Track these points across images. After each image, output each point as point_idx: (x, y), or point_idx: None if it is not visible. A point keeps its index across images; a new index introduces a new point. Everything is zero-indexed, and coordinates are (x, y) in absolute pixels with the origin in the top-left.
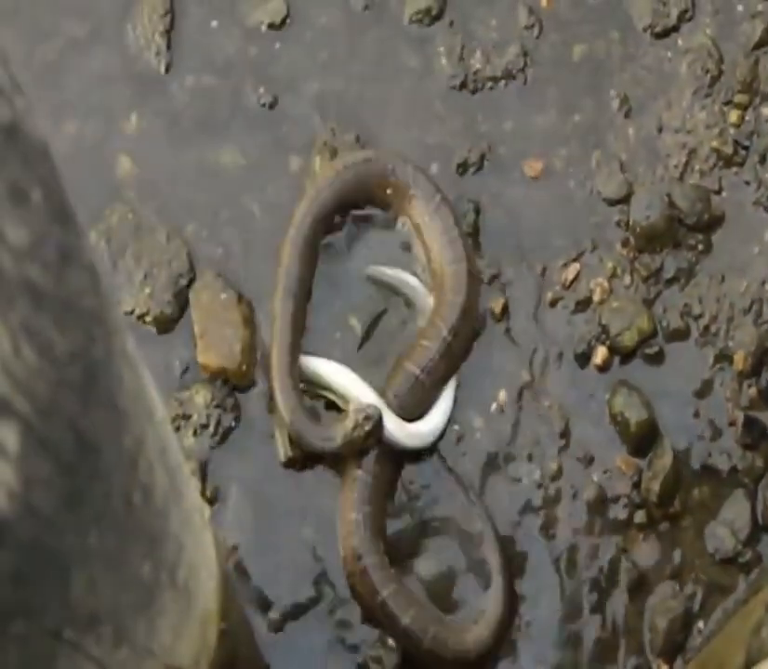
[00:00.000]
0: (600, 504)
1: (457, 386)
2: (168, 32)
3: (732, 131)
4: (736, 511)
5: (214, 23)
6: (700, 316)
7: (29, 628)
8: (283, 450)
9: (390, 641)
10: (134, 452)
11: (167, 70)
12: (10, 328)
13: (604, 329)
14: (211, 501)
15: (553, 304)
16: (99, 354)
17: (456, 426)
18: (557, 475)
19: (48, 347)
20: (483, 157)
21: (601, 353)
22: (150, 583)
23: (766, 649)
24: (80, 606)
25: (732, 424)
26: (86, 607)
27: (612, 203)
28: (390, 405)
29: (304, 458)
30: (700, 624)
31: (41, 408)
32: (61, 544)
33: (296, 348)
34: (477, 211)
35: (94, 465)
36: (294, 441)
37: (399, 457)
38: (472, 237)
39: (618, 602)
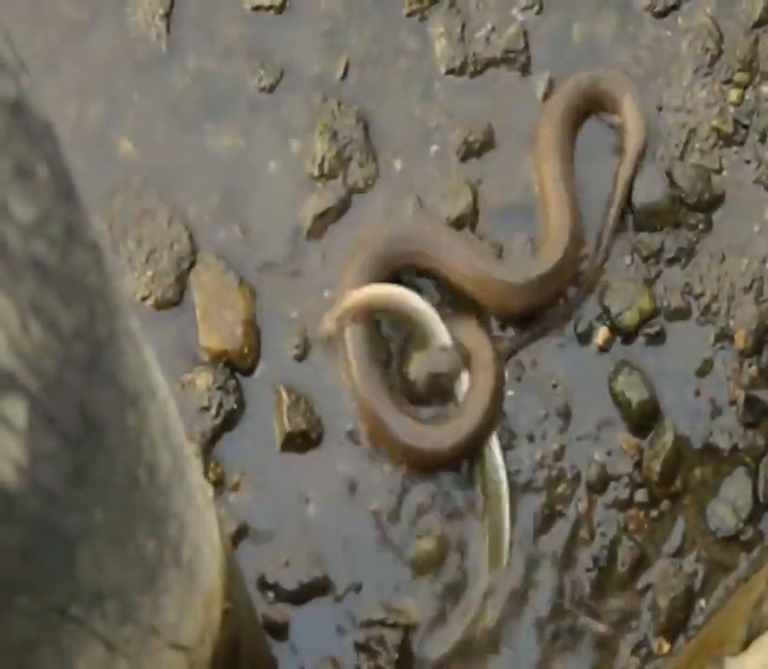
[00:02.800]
0: (601, 483)
1: None
2: (168, 16)
3: (732, 110)
4: (738, 489)
5: (214, 6)
6: (701, 295)
7: (34, 604)
8: None
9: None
10: (138, 429)
11: (168, 53)
12: (18, 304)
13: (605, 309)
14: (213, 483)
15: None
16: (103, 331)
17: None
18: (558, 455)
19: (54, 323)
20: (483, 139)
21: (602, 333)
22: (154, 561)
23: (767, 622)
24: (85, 582)
25: (733, 402)
26: (92, 583)
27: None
28: None
29: (304, 437)
30: (702, 603)
31: (47, 384)
32: (67, 521)
33: None
34: (476, 194)
35: (99, 442)
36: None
37: None
38: (472, 218)
39: (619, 581)
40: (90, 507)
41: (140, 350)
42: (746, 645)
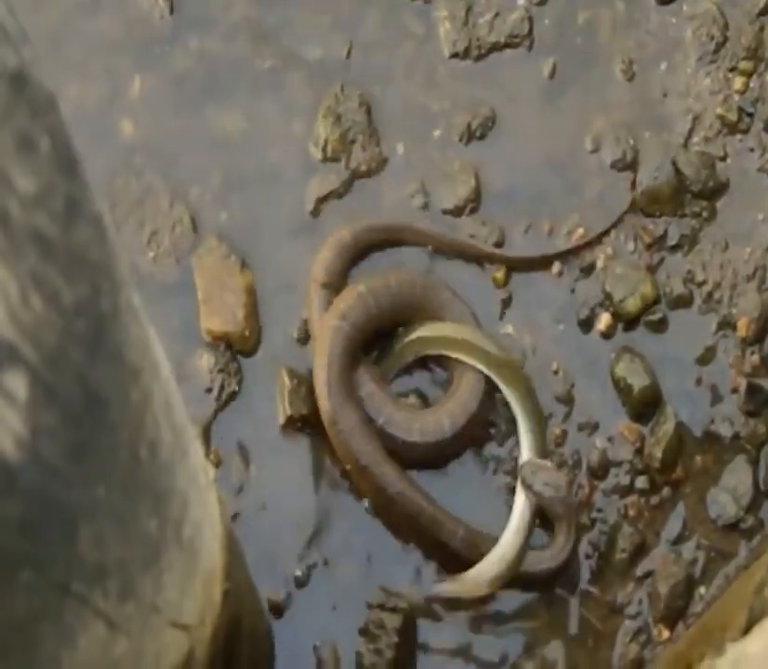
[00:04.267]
0: (602, 469)
1: None
2: None
3: (736, 98)
4: (738, 477)
5: None
6: (704, 283)
7: (36, 579)
8: None
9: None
10: (141, 406)
11: (171, 34)
12: (19, 276)
13: (608, 295)
14: (215, 464)
15: (557, 270)
16: (107, 307)
17: None
18: (560, 441)
19: (56, 297)
20: (486, 123)
21: (604, 320)
22: (156, 539)
23: None
24: (87, 559)
25: (734, 390)
26: (94, 560)
27: (617, 169)
28: None
29: (304, 421)
30: (702, 590)
31: (49, 358)
32: (69, 496)
33: None
34: (478, 178)
35: (101, 418)
36: None
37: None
38: (475, 203)
39: (619, 568)
40: (92, 483)
41: (144, 327)
42: (747, 630)
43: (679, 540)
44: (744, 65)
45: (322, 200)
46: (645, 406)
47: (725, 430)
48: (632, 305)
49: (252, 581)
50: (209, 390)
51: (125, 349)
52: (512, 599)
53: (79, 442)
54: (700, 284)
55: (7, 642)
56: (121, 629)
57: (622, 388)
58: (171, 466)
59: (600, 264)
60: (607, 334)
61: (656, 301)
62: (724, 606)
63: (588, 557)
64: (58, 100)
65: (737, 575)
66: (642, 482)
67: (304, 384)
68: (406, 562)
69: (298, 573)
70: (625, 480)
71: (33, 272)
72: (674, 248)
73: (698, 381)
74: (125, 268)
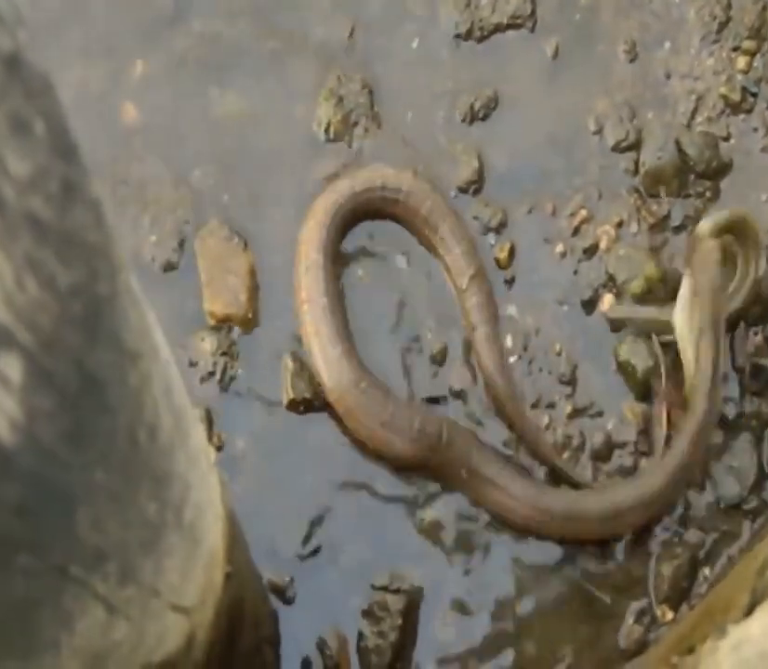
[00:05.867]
0: (606, 450)
1: None
2: None
3: (739, 77)
4: (742, 458)
5: None
6: None
7: (34, 563)
8: None
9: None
10: (139, 390)
11: (173, 15)
12: (13, 259)
13: (611, 277)
14: (217, 447)
15: (560, 251)
16: (104, 290)
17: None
18: (564, 422)
19: (51, 280)
20: (488, 104)
21: (607, 301)
22: (156, 523)
23: None
24: (86, 543)
25: (739, 371)
26: (93, 544)
27: (620, 149)
28: None
29: (307, 404)
30: (706, 571)
31: (44, 341)
32: (66, 479)
33: None
34: (482, 159)
35: (99, 402)
36: None
37: None
38: (477, 184)
39: (623, 549)
40: (90, 466)
41: (142, 311)
42: (749, 611)
43: (682, 521)
44: (747, 44)
45: (324, 182)
46: (649, 387)
47: (729, 411)
48: (636, 286)
49: (254, 564)
50: (212, 373)
51: (123, 333)
52: (515, 579)
53: (76, 426)
54: None
55: (6, 626)
56: (121, 613)
57: (626, 370)
58: (171, 450)
59: (603, 245)
60: None
61: (660, 282)
62: (727, 587)
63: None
64: (53, 84)
65: (741, 556)
66: (645, 464)
67: (306, 367)
68: (410, 545)
69: (301, 556)
70: (629, 462)
71: (28, 255)
72: (678, 229)
73: None
74: (123, 251)
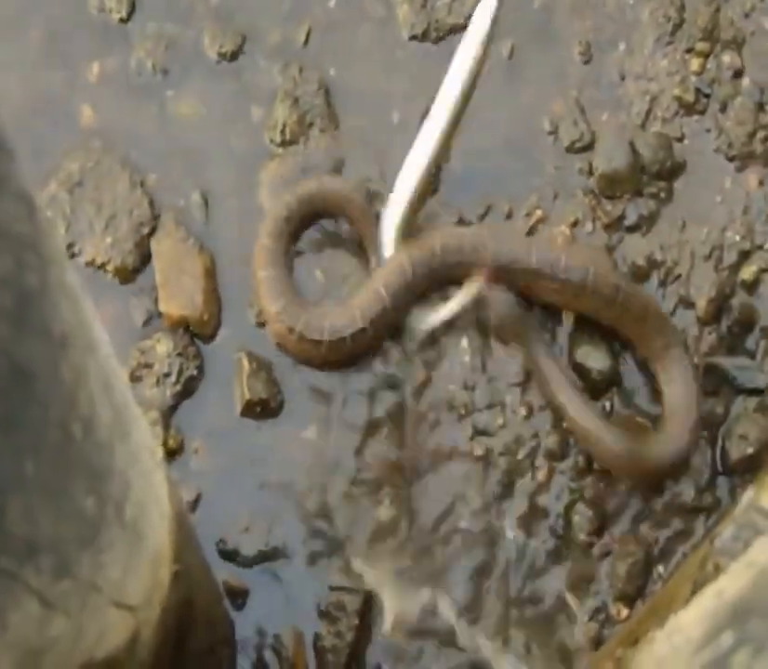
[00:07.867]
0: (561, 450)
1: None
2: None
3: (693, 79)
4: (696, 457)
5: None
6: (661, 263)
7: None
8: None
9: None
10: (73, 383)
11: (129, 18)
12: None
13: None
14: (173, 449)
15: None
16: (33, 282)
17: (417, 372)
18: (519, 421)
19: None
20: None
21: None
22: (94, 518)
23: (710, 580)
24: (17, 534)
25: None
26: (24, 536)
27: (575, 150)
28: None
29: (263, 405)
30: (660, 569)
31: None
32: None
33: None
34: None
35: (29, 392)
36: None
37: None
38: (434, 186)
39: (578, 547)
40: (20, 457)
41: (79, 305)
42: (689, 602)
43: (637, 519)
44: (700, 46)
45: (280, 183)
46: (604, 388)
47: None
48: None
49: (207, 563)
50: (168, 375)
51: (55, 326)
52: (472, 582)
53: (5, 415)
54: (658, 265)
55: None
56: (58, 607)
57: (581, 371)
58: (110, 445)
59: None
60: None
61: None
62: (674, 582)
63: (546, 537)
64: None
65: (693, 554)
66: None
67: (263, 368)
68: (368, 543)
69: (257, 556)
70: (583, 461)
71: None
72: (632, 229)
73: None
74: (58, 246)
